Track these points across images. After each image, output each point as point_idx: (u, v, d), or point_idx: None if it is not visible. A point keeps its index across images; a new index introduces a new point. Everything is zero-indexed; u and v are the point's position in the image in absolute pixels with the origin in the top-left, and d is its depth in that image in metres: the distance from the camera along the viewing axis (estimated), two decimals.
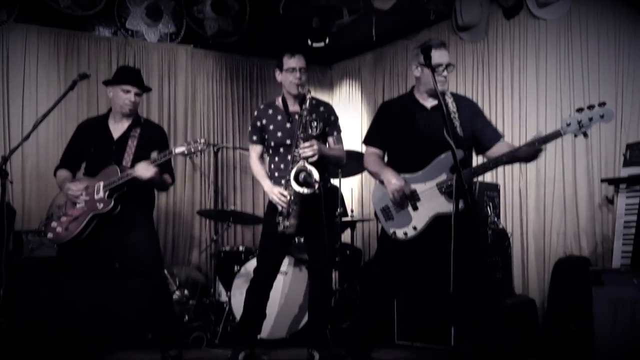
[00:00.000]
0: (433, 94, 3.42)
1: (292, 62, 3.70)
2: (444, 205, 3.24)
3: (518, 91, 5.22)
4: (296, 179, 3.48)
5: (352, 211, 5.93)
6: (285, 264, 4.53)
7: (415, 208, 3.31)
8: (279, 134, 3.74)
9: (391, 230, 3.34)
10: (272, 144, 3.76)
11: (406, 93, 3.65)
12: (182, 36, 6.21)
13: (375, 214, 3.46)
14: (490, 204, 4.47)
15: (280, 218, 3.58)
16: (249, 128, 3.93)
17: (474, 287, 3.22)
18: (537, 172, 5.02)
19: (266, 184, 3.73)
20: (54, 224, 3.74)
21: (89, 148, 3.84)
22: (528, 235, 5.06)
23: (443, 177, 3.27)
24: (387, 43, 6.45)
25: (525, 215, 5.11)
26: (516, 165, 5.14)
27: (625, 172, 4.04)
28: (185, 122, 6.25)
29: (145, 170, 3.58)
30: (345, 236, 5.73)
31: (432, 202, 3.28)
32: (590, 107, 2.99)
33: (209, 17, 6.21)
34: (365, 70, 6.88)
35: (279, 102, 3.83)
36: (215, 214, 5.87)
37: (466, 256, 3.06)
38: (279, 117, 3.78)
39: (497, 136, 3.48)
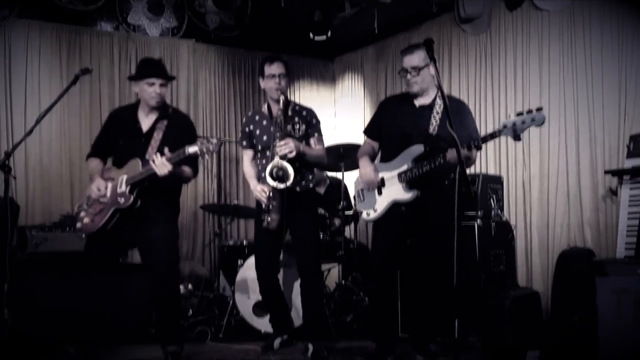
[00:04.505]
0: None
1: (272, 69, 3.95)
2: (401, 193, 3.54)
3: (521, 83, 5.20)
4: (271, 174, 3.76)
5: (355, 204, 5.92)
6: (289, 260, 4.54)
7: (380, 193, 3.66)
8: (265, 137, 3.99)
9: (359, 210, 3.83)
10: (260, 147, 4.02)
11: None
12: (184, 30, 6.20)
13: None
14: (494, 196, 4.46)
15: (265, 214, 3.82)
16: (239, 134, 4.22)
17: (425, 278, 3.60)
18: (541, 164, 5.01)
19: (252, 183, 4.01)
20: (82, 214, 3.79)
21: (118, 139, 3.84)
22: (532, 227, 5.06)
23: (404, 167, 3.54)
24: (389, 36, 6.43)
25: (529, 207, 5.10)
26: (520, 158, 5.14)
27: (629, 163, 4.04)
28: None
29: (161, 166, 3.53)
30: (350, 229, 5.73)
31: (391, 188, 3.59)
32: (529, 111, 3.12)
33: (210, 11, 6.20)
34: (367, 64, 6.87)
35: (264, 108, 4.10)
36: (218, 209, 5.89)
37: (419, 247, 3.57)
38: (265, 122, 4.03)
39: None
